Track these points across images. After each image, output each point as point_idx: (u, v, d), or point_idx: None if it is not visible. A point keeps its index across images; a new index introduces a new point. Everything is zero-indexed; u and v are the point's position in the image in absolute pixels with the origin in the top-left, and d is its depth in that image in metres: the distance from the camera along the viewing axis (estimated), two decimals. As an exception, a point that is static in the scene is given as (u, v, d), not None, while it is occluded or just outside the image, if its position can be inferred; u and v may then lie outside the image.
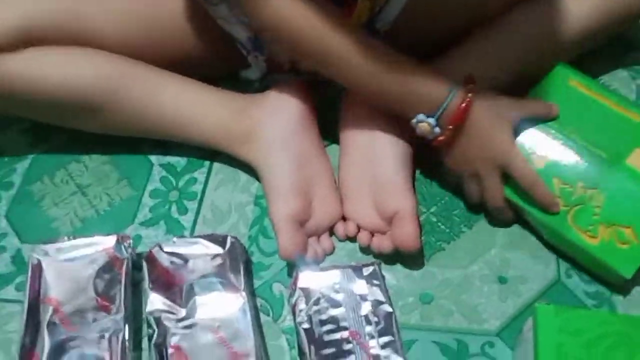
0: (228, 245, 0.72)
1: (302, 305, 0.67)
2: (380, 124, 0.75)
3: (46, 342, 0.66)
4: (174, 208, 0.81)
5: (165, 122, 0.78)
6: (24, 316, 0.67)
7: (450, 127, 0.67)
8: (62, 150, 0.87)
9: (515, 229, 0.75)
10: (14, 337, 0.71)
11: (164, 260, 0.71)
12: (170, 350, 0.65)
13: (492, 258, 0.73)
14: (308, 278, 0.68)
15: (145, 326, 0.68)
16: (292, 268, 0.72)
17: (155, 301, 0.68)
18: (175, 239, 0.73)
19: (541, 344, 0.59)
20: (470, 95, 0.66)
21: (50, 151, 0.87)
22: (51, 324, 0.67)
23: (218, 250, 0.71)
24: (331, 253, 0.75)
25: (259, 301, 0.72)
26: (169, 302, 0.68)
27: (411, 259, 0.73)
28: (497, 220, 0.74)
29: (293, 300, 0.67)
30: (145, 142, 0.84)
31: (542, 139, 0.72)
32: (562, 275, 0.72)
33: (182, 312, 0.67)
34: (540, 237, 0.73)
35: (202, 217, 0.79)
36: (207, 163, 0.84)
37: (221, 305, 0.68)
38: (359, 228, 0.74)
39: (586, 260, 0.70)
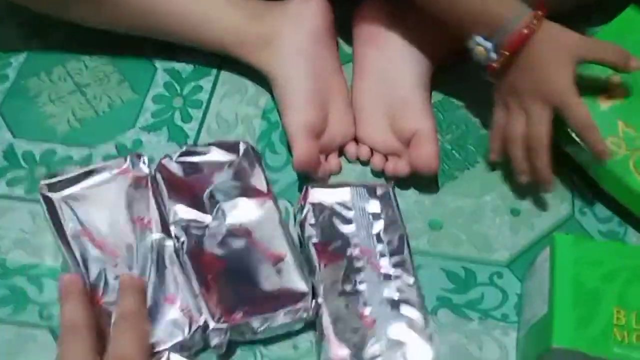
0: (241, 150, 0.69)
1: (311, 219, 0.64)
2: (396, 42, 0.72)
3: (95, 275, 0.62)
4: (177, 115, 0.77)
5: (174, 19, 0.74)
6: (67, 257, 0.63)
7: (507, 52, 0.63)
8: (60, 47, 0.82)
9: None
10: (3, 233, 0.68)
11: (177, 170, 0.68)
12: (205, 258, 0.62)
13: (505, 190, 0.71)
14: (319, 193, 0.66)
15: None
16: (303, 183, 0.70)
17: (179, 211, 0.65)
18: (184, 147, 0.70)
19: (557, 274, 0.57)
20: (535, 22, 0.62)
21: (47, 47, 0.82)
22: (95, 255, 0.63)
23: (232, 156, 0.69)
24: (337, 173, 0.72)
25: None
26: (193, 211, 0.65)
27: (423, 184, 0.71)
28: (519, 169, 0.68)
29: (302, 214, 0.65)
30: (150, 45, 0.80)
31: (609, 80, 0.69)
32: (576, 212, 0.70)
33: (209, 220, 0.65)
34: (556, 173, 0.71)
35: (206, 127, 0.76)
36: (214, 72, 0.81)
37: (248, 210, 0.65)
38: (372, 152, 0.72)
39: None
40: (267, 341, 0.62)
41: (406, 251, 0.63)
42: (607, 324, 0.54)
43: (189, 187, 0.67)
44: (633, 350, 0.53)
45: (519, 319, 0.63)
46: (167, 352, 0.56)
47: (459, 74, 0.76)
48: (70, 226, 0.64)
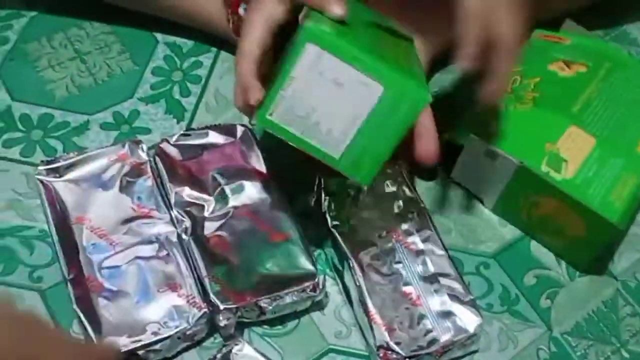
0: (239, 133, 0.70)
1: (333, 210, 0.64)
2: None
3: (93, 261, 0.62)
4: (176, 88, 0.77)
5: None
6: (57, 245, 0.62)
7: None
8: (62, 13, 0.82)
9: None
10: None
11: (176, 154, 0.68)
12: (211, 241, 0.63)
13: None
14: (333, 183, 0.66)
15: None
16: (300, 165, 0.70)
17: (181, 194, 0.65)
18: (181, 132, 0.70)
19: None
20: None
21: (49, 12, 0.82)
22: (91, 243, 0.63)
23: (229, 139, 0.69)
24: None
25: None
26: (194, 194, 0.65)
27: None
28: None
29: (323, 206, 0.65)
30: (152, 18, 0.80)
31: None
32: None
33: (212, 202, 0.65)
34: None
35: (204, 102, 0.76)
36: (214, 49, 0.81)
37: (251, 192, 0.66)
38: None
39: None
40: (273, 321, 0.62)
41: (430, 225, 0.65)
42: None
43: (189, 170, 0.67)
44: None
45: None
46: (240, 342, 0.57)
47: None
48: (67, 212, 0.64)
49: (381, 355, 0.58)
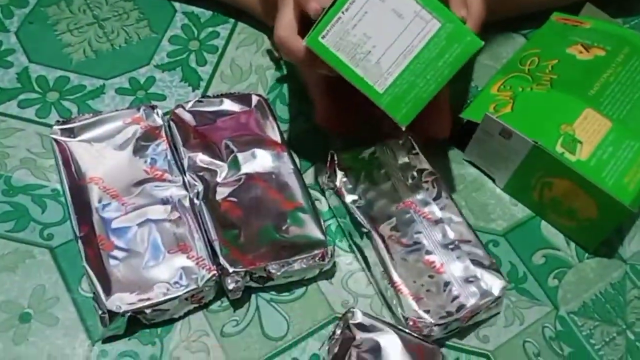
0: (254, 102, 0.70)
1: (348, 184, 0.65)
2: None
3: (105, 221, 0.62)
4: (192, 57, 0.78)
5: None
6: (69, 203, 0.62)
7: None
8: (82, -21, 0.83)
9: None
10: (10, 152, 0.68)
11: (190, 119, 0.68)
12: (222, 205, 0.63)
13: (509, 163, 0.72)
14: (346, 158, 0.66)
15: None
16: (314, 138, 0.71)
17: (194, 159, 0.65)
18: (196, 98, 0.70)
19: None
20: None
21: (70, -22, 0.83)
22: (103, 203, 0.63)
23: (244, 107, 0.69)
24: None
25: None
26: (208, 159, 0.66)
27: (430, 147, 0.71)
28: None
29: (337, 182, 0.65)
30: (172, -13, 0.81)
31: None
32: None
33: (225, 168, 0.65)
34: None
35: (220, 72, 0.77)
36: (231, 20, 0.81)
37: (264, 160, 0.66)
38: None
39: None
40: (281, 287, 0.63)
41: (444, 193, 0.65)
42: None
43: (203, 136, 0.67)
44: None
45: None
46: (354, 310, 0.58)
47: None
48: (81, 171, 0.64)
49: (411, 324, 0.58)
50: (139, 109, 0.68)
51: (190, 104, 0.69)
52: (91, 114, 0.68)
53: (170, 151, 0.66)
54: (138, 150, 0.66)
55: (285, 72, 0.77)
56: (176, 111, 0.69)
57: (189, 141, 0.67)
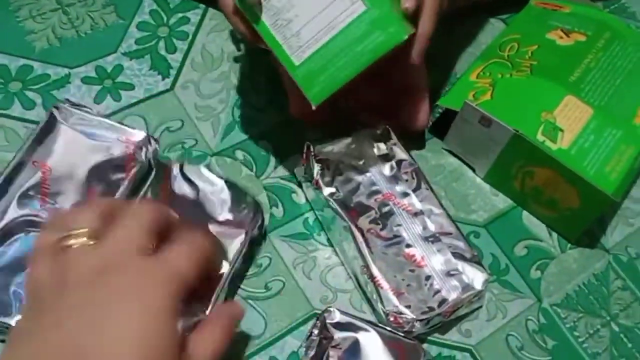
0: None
1: (326, 177, 0.62)
2: None
3: (10, 211, 0.57)
4: (161, 44, 0.75)
5: None
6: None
7: None
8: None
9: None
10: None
11: (177, 185, 0.61)
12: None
13: (489, 152, 0.71)
14: (321, 150, 0.63)
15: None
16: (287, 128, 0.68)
17: None
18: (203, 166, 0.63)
19: None
20: None
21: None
22: (27, 195, 0.59)
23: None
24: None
25: (241, 154, 0.68)
26: None
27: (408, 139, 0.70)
28: None
29: (314, 174, 0.62)
30: (139, -29, 0.77)
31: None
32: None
33: None
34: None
35: (190, 60, 0.74)
36: (202, 6, 0.78)
37: None
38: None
39: None
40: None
41: (424, 184, 0.63)
42: None
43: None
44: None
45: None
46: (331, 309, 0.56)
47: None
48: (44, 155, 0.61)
49: (392, 319, 0.56)
50: (143, 135, 0.63)
51: (189, 168, 0.62)
52: (101, 114, 0.65)
53: (120, 193, 0.60)
54: (98, 167, 0.61)
55: (251, 60, 0.74)
56: (172, 167, 0.62)
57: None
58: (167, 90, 0.71)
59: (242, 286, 0.61)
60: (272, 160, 0.68)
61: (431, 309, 0.57)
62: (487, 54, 0.72)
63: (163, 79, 0.72)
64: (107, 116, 0.66)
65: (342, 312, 0.56)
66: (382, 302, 0.57)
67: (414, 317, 0.56)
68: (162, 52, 0.74)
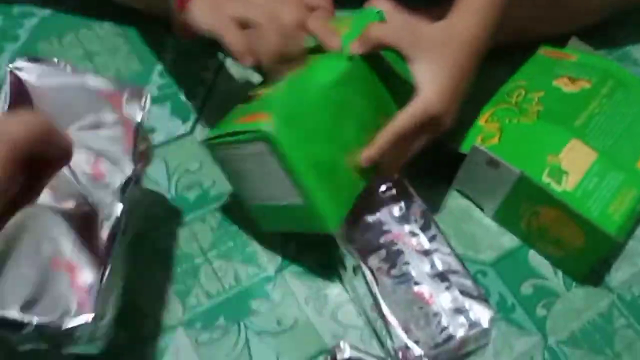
0: None
1: None
2: None
3: None
4: (181, 93, 0.78)
5: None
6: None
7: None
8: (73, 14, 0.83)
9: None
10: None
11: None
12: None
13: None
14: None
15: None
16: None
17: None
18: None
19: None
20: None
21: (61, 12, 0.83)
22: None
23: None
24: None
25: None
26: None
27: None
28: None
29: None
30: (162, 22, 0.81)
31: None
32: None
33: None
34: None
35: (209, 104, 0.77)
36: (220, 54, 0.82)
37: None
38: None
39: None
40: (253, 314, 0.63)
41: (433, 224, 0.65)
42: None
43: None
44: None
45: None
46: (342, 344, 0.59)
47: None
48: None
49: (400, 356, 0.58)
50: (122, 90, 0.56)
51: None
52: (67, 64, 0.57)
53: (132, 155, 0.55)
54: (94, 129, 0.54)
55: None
56: None
57: None
58: (187, 134, 0.74)
59: (254, 321, 0.63)
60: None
61: (438, 345, 0.59)
62: (496, 99, 0.74)
63: (183, 123, 0.75)
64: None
65: (353, 347, 0.58)
66: (391, 338, 0.59)
67: (422, 353, 0.58)
68: (182, 98, 0.77)
